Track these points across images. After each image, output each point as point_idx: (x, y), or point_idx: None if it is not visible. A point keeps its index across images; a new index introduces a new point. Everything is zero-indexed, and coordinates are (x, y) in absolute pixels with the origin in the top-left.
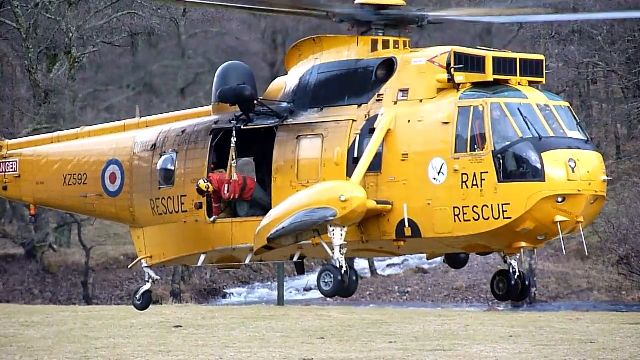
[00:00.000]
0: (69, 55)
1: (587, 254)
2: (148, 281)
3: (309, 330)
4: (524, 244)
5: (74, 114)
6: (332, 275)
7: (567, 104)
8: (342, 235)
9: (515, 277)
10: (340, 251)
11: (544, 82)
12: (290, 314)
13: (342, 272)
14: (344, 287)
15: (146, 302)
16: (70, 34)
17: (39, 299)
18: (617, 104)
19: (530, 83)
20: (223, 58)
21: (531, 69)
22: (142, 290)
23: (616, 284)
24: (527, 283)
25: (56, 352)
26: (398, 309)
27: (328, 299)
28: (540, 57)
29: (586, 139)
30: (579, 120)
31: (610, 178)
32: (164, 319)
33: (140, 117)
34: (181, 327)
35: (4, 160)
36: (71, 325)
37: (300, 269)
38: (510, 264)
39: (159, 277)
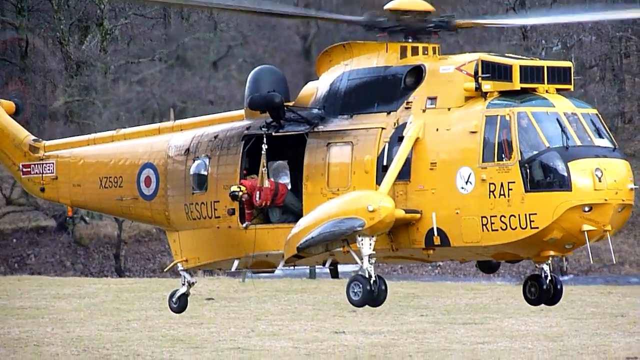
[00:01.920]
0: (101, 27)
1: (614, 262)
2: (184, 284)
3: (340, 303)
4: (552, 253)
5: (106, 86)
6: (361, 285)
7: (595, 111)
8: (370, 244)
9: (547, 281)
10: (369, 261)
11: (572, 89)
12: (321, 287)
13: (371, 281)
14: (373, 297)
15: (182, 305)
16: (102, 6)
17: (71, 271)
18: None
19: (558, 90)
20: (255, 31)
21: (559, 76)
22: (178, 294)
23: None
24: (558, 287)
25: (88, 324)
26: (429, 282)
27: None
28: (568, 64)
29: (613, 147)
30: (606, 128)
31: (638, 187)
32: (195, 292)
33: (175, 120)
34: (213, 299)
35: (41, 162)
36: (103, 297)
37: (335, 274)
38: (542, 268)
39: (195, 280)
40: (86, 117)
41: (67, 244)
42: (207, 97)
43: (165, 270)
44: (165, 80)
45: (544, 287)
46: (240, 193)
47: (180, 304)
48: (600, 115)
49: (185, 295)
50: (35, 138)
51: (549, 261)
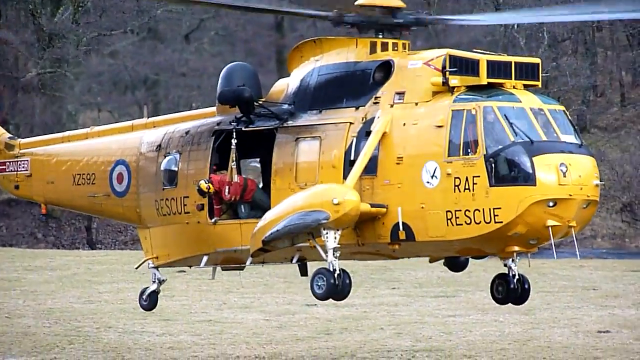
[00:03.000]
0: None
1: (578, 257)
2: (154, 282)
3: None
4: (516, 248)
5: (78, 59)
6: (324, 279)
7: (563, 108)
8: (335, 238)
9: (515, 280)
10: (333, 254)
11: (539, 86)
12: None
13: (335, 275)
14: (337, 290)
15: (152, 302)
16: None
17: (42, 243)
18: (622, 52)
19: (526, 86)
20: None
21: (527, 72)
22: (148, 291)
23: (619, 231)
24: (526, 286)
25: (59, 296)
26: None
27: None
28: (536, 60)
29: (580, 143)
30: (573, 124)
31: (603, 183)
32: None
33: (148, 117)
34: (184, 272)
35: (16, 160)
36: (74, 269)
37: (304, 271)
38: (510, 267)
39: (165, 278)
40: (58, 89)
41: (38, 216)
42: (180, 69)
43: (136, 267)
44: (137, 53)
45: (511, 286)
46: (207, 188)
47: (150, 302)
48: (567, 112)
49: (155, 293)
50: (11, 136)
51: (515, 258)
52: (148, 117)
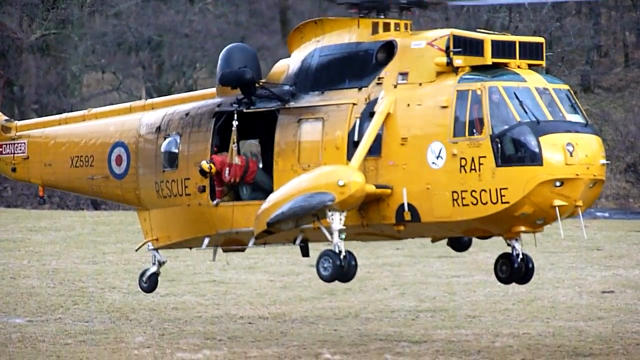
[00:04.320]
0: None
1: (585, 237)
2: (155, 264)
3: None
4: (522, 228)
5: (82, 20)
6: (330, 260)
7: (567, 87)
8: (341, 219)
9: (519, 259)
10: (339, 236)
11: (544, 65)
12: None
13: (341, 257)
14: (342, 272)
15: (152, 284)
16: None
17: (47, 204)
18: (626, 12)
19: (530, 66)
20: None
21: (531, 51)
22: (148, 273)
23: (623, 191)
24: (530, 266)
25: (64, 257)
26: None
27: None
28: (540, 39)
29: (585, 122)
30: (578, 103)
31: (609, 162)
32: None
33: (147, 99)
34: None
35: (12, 142)
36: (79, 230)
37: (305, 252)
38: (514, 246)
39: (165, 260)
40: (62, 50)
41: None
42: (183, 30)
43: (136, 250)
44: (141, 14)
45: (515, 265)
46: (209, 169)
47: (150, 284)
48: (572, 91)
49: (155, 275)
50: (7, 118)
51: (519, 238)
52: (146, 99)
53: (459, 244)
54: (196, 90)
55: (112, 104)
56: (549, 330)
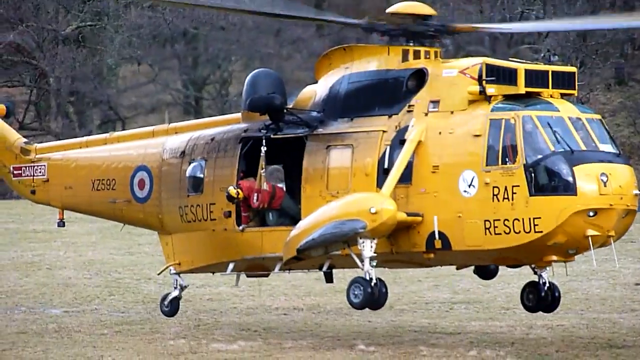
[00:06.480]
0: None
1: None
2: (176, 288)
3: None
4: (554, 258)
5: (118, 12)
6: (362, 288)
7: (599, 117)
8: (372, 247)
9: (545, 288)
10: (370, 263)
11: (576, 95)
12: None
13: (372, 284)
14: (373, 299)
15: (174, 309)
16: None
17: None
18: None
19: (562, 95)
20: None
21: (563, 81)
22: (170, 297)
23: None
24: (556, 294)
25: (99, 247)
26: None
27: None
28: (572, 69)
29: (618, 152)
30: (610, 134)
31: None
32: None
33: (170, 123)
34: None
35: (32, 164)
36: (114, 221)
37: (329, 279)
38: (540, 275)
39: (187, 285)
40: (98, 42)
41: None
42: (219, 23)
43: (158, 274)
44: (174, 8)
45: (542, 294)
46: (236, 194)
47: (172, 308)
48: (603, 121)
49: (177, 299)
50: (27, 141)
51: (549, 268)
52: (169, 123)
53: (486, 272)
54: (231, 83)
55: (148, 96)
56: (583, 322)
